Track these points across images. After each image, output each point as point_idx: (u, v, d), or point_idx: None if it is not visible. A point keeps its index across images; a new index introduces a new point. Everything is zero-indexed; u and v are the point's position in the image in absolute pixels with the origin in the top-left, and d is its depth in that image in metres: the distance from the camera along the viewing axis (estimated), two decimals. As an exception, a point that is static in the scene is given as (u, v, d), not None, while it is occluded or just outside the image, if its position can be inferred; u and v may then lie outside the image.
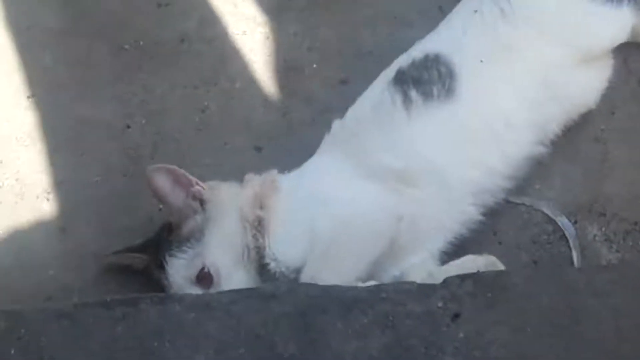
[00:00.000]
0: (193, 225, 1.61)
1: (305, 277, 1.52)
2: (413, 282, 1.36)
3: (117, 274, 1.73)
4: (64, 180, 1.87)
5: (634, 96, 1.86)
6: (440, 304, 1.30)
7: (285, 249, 1.58)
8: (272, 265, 1.58)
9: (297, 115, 1.94)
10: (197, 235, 1.59)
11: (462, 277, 1.33)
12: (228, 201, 1.63)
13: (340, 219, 1.55)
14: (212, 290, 1.55)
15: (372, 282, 1.52)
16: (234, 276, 1.56)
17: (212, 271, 1.56)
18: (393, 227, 1.58)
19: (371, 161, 1.64)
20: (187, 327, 1.31)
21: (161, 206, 1.73)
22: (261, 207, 1.62)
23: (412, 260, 1.63)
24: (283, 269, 1.57)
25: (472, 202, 1.67)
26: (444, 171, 1.63)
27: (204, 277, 1.56)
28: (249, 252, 1.59)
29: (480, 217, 1.69)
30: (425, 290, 1.31)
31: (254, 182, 1.67)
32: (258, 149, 1.92)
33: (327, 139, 1.74)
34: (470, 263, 1.54)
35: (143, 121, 1.94)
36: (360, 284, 1.48)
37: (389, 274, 1.62)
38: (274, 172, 1.69)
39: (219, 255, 1.58)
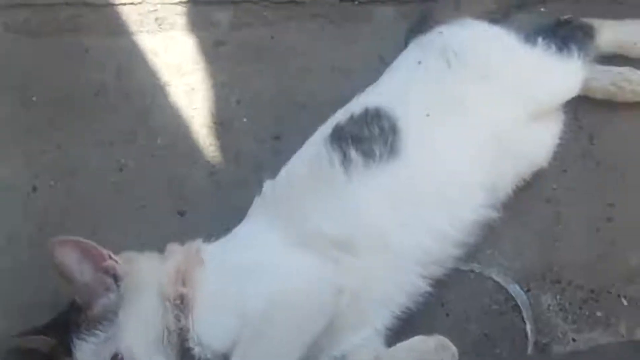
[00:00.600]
0: (105, 305, 1.43)
1: None
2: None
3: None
4: (-40, 250, 1.68)
5: (585, 153, 1.77)
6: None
7: (211, 331, 1.42)
8: (197, 350, 1.42)
9: (225, 174, 1.81)
10: (109, 316, 1.42)
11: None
12: (146, 276, 1.47)
13: (273, 295, 1.41)
14: None
15: None
16: None
17: (126, 358, 1.38)
18: (333, 302, 1.44)
19: (306, 227, 1.50)
20: None
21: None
22: (184, 283, 1.45)
23: (354, 339, 1.50)
24: (209, 355, 1.42)
25: (419, 272, 1.54)
26: (388, 237, 1.51)
27: None
28: (170, 335, 1.42)
29: (428, 288, 1.56)
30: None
31: (176, 253, 1.51)
32: (181, 213, 1.77)
33: (258, 202, 1.61)
34: (420, 345, 1.40)
35: (52, 182, 1.79)
36: None
37: (328, 357, 1.48)
38: (199, 241, 1.54)
39: (135, 339, 1.41)
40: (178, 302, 1.44)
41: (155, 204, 1.76)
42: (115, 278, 1.45)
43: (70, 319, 1.45)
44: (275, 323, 1.40)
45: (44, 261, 1.58)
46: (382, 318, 1.52)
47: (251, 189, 1.64)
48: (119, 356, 1.38)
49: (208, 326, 1.42)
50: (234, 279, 1.45)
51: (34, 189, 1.77)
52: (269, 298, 1.40)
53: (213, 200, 1.76)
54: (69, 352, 1.41)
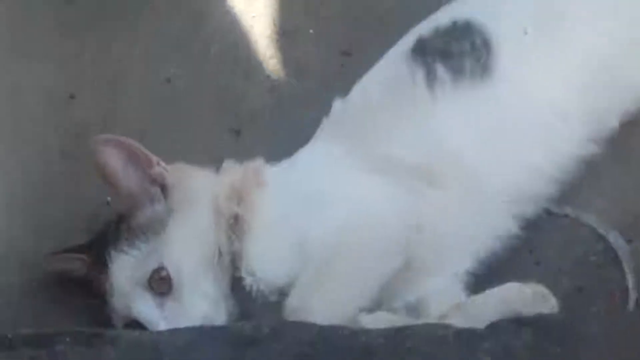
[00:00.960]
0: (150, 216, 1.26)
1: (290, 305, 1.20)
2: (448, 326, 0.99)
3: (51, 286, 1.37)
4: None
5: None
6: (488, 362, 0.92)
7: (266, 262, 1.25)
8: (248, 280, 1.25)
9: (286, 91, 1.59)
10: (155, 228, 1.25)
11: (518, 323, 0.97)
12: (199, 189, 1.30)
13: (343, 226, 1.23)
14: (170, 303, 1.22)
15: (382, 315, 1.20)
16: (201, 285, 1.24)
17: (171, 273, 1.22)
18: (410, 239, 1.25)
19: (382, 153, 1.30)
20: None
21: (109, 198, 1.40)
22: (240, 203, 1.28)
23: (431, 284, 1.30)
24: (262, 287, 1.25)
25: (508, 210, 1.34)
26: (477, 170, 1.30)
27: (159, 281, 1.22)
28: (222, 258, 1.26)
29: (517, 231, 1.35)
30: (466, 339, 0.95)
31: (233, 171, 1.34)
32: (236, 132, 1.57)
33: (326, 123, 1.40)
34: (513, 293, 1.18)
35: (92, 90, 1.59)
36: (365, 317, 1.18)
37: (402, 301, 1.29)
38: (259, 161, 1.36)
39: (183, 254, 1.24)
40: (231, 221, 1.26)
41: (207, 120, 1.56)
42: (163, 188, 1.28)
43: (108, 233, 1.28)
44: (343, 258, 1.21)
45: (79, 177, 1.44)
46: (464, 261, 1.32)
47: (316, 108, 1.44)
48: (163, 271, 1.21)
49: (263, 255, 1.24)
50: (297, 205, 1.27)
51: (71, 96, 1.57)
52: (337, 229, 1.22)
53: (272, 118, 1.56)
54: (102, 269, 1.25)
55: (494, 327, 0.98)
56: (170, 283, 1.21)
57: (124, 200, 1.27)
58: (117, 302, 1.23)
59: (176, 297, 1.21)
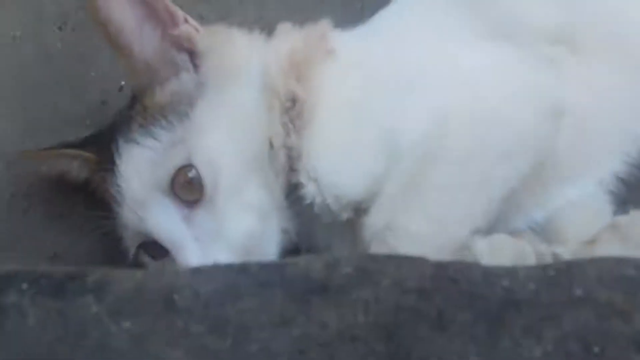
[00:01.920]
0: (174, 92, 0.88)
1: (372, 226, 0.84)
2: (634, 261, 0.61)
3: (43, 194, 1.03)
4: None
5: None
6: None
7: (337, 163, 0.86)
8: (310, 188, 0.87)
9: None
10: (180, 110, 0.87)
11: None
12: (243, 58, 0.91)
13: (450, 114, 0.84)
14: (201, 215, 0.85)
15: (502, 240, 0.85)
16: (243, 190, 0.86)
17: (203, 173, 0.85)
18: (550, 124, 0.86)
19: (505, 11, 0.91)
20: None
21: (123, 82, 1.05)
22: (300, 79, 0.89)
23: (567, 195, 0.92)
24: (329, 200, 0.86)
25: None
26: (633, 28, 0.91)
27: (187, 185, 0.85)
28: (274, 154, 0.87)
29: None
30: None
31: (291, 36, 0.94)
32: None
33: None
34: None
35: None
36: (480, 242, 0.83)
37: (525, 220, 0.92)
38: (326, 23, 0.95)
39: (220, 147, 0.86)
40: (289, 105, 0.88)
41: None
42: (193, 55, 0.90)
43: (118, 121, 0.91)
44: (450, 159, 0.83)
45: (81, 54, 1.09)
46: (613, 162, 0.93)
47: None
48: (191, 170, 0.84)
49: (332, 154, 0.86)
50: (382, 83, 0.87)
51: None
52: (442, 117, 0.83)
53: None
54: (109, 170, 0.88)
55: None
56: (202, 187, 0.84)
57: (138, 73, 0.89)
58: (129, 215, 0.87)
59: (209, 208, 0.85)
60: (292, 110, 0.88)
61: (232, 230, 0.84)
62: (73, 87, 1.08)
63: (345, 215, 0.86)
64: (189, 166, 0.84)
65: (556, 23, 0.90)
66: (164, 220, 0.85)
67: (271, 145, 0.87)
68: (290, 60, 0.90)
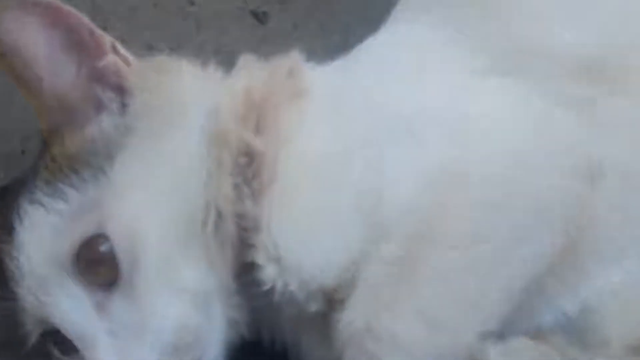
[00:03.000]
0: (92, 138, 0.69)
1: (351, 325, 0.64)
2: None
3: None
4: None
5: None
6: None
7: (306, 239, 0.66)
8: (270, 271, 0.67)
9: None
10: (96, 161, 0.67)
11: None
12: (187, 97, 0.71)
13: (453, 172, 0.65)
14: (118, 300, 0.66)
15: (523, 346, 0.67)
16: (175, 269, 0.67)
17: (119, 246, 0.65)
18: (584, 193, 0.66)
19: (520, 39, 0.71)
20: None
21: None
22: (260, 129, 0.69)
23: (608, 277, 0.70)
24: (293, 287, 0.66)
25: None
26: None
27: (95, 263, 0.66)
28: (221, 224, 0.68)
29: None
30: None
31: (252, 71, 0.74)
32: (259, 16, 0.99)
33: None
34: None
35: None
36: (495, 350, 0.65)
37: (553, 314, 0.70)
38: (296, 56, 0.75)
39: (145, 211, 0.66)
40: (243, 160, 0.68)
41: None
42: (121, 93, 0.70)
43: (24, 175, 0.71)
44: (455, 231, 0.64)
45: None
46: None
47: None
48: (103, 243, 0.65)
49: (299, 228, 0.66)
50: (366, 131, 0.68)
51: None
52: (442, 176, 0.64)
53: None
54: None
55: None
56: (116, 265, 0.65)
57: (47, 113, 0.69)
58: (28, 295, 0.67)
59: (127, 292, 0.65)
60: (248, 168, 0.68)
61: (157, 321, 0.65)
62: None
63: (314, 307, 0.67)
64: (99, 237, 0.65)
65: (589, 52, 0.70)
66: (69, 308, 0.66)
67: (218, 213, 0.67)
68: (248, 103, 0.70)
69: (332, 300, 0.66)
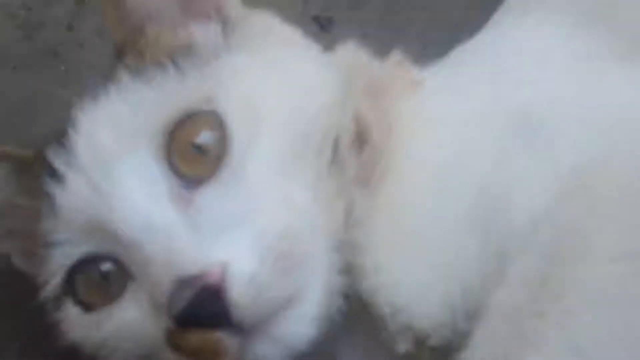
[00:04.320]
0: (194, 38, 0.59)
1: None
2: None
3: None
4: None
5: None
6: None
7: (410, 259, 0.55)
8: (367, 285, 0.56)
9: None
10: (200, 55, 0.58)
11: None
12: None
13: (601, 171, 0.53)
14: (209, 196, 0.54)
15: None
16: (287, 180, 0.55)
17: (233, 123, 0.55)
18: None
19: None
20: None
21: None
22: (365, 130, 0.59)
23: None
24: (401, 322, 0.54)
25: None
26: None
27: (196, 146, 0.55)
28: (338, 163, 0.57)
29: None
30: None
31: (359, 54, 0.65)
32: (323, 23, 0.92)
33: None
34: None
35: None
36: None
37: None
38: (399, 56, 0.66)
39: (269, 98, 0.56)
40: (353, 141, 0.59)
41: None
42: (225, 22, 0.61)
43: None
44: (613, 244, 0.49)
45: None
46: None
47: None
48: (209, 120, 0.54)
49: (407, 243, 0.55)
50: (491, 130, 0.57)
51: None
52: (587, 175, 0.52)
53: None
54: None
55: None
56: (219, 157, 0.53)
57: (133, 16, 0.60)
58: (79, 192, 0.53)
59: (231, 181, 0.53)
60: (358, 151, 0.58)
61: (265, 218, 0.52)
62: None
63: (402, 345, 0.55)
64: (207, 114, 0.53)
65: None
66: (138, 189, 0.52)
67: (336, 147, 0.57)
68: (366, 86, 0.61)
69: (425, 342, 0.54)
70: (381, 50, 0.64)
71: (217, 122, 0.53)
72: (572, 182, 0.52)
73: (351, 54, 0.64)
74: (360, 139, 0.58)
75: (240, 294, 0.49)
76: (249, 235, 0.51)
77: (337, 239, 0.55)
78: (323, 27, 0.93)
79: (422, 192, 0.56)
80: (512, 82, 0.60)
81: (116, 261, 0.53)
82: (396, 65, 0.64)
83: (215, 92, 0.54)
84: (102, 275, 0.54)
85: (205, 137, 0.53)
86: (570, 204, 0.51)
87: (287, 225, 0.52)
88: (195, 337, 0.49)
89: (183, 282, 0.48)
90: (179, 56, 0.56)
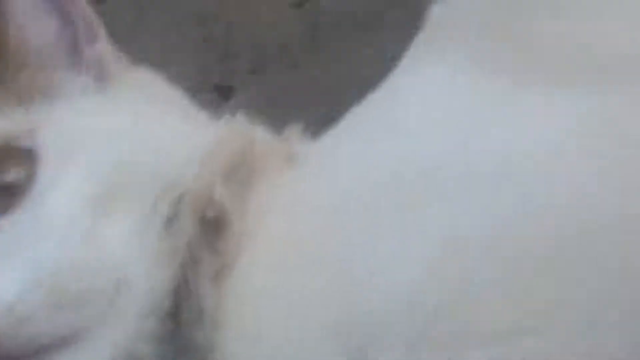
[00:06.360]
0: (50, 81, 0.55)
1: None
2: None
3: None
4: None
5: None
6: None
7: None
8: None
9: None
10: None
11: None
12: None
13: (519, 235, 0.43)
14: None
15: None
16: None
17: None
18: None
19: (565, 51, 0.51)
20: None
21: None
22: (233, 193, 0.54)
23: None
24: None
25: None
26: None
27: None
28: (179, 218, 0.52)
29: None
30: None
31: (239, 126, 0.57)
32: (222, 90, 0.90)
33: (428, 34, 0.60)
34: None
35: None
36: None
37: None
38: (295, 128, 0.59)
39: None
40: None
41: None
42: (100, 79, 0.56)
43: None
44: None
45: None
46: None
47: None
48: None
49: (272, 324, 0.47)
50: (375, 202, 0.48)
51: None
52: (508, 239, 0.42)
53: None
54: None
55: None
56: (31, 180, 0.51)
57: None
58: None
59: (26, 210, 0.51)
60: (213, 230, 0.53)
61: (52, 246, 0.49)
62: None
63: None
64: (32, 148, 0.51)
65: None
66: None
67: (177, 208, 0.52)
68: (229, 159, 0.55)
69: None
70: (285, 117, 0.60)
71: (29, 157, 0.51)
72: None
73: (234, 126, 0.59)
74: (217, 223, 0.52)
75: None
76: (19, 265, 0.48)
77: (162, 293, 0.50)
78: (224, 96, 0.89)
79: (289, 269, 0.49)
80: (388, 146, 0.51)
81: None
82: (282, 140, 0.58)
83: (40, 126, 0.52)
84: None
85: (13, 174, 0.51)
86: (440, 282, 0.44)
87: (80, 261, 0.49)
88: None
89: None
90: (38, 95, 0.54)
